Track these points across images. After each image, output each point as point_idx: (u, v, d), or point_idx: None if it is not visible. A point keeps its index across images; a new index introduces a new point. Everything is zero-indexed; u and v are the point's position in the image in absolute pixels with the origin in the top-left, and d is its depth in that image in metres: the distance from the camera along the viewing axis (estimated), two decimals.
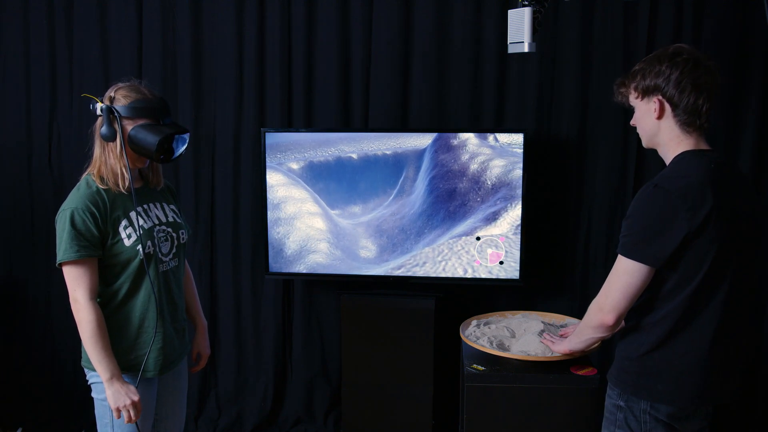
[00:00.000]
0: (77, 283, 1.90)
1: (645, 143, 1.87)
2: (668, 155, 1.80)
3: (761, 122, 2.91)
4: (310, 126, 3.15)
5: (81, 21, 3.18)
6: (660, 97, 1.75)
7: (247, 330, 3.31)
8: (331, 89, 3.11)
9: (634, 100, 1.83)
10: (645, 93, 1.78)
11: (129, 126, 1.93)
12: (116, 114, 1.92)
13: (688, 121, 1.75)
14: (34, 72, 3.25)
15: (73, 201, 1.92)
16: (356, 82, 3.10)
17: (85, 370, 2.03)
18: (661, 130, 1.78)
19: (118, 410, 1.90)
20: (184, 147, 2.04)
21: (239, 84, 3.16)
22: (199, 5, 3.13)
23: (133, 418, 1.91)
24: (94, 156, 1.98)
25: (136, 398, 1.92)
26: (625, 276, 1.72)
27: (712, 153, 1.77)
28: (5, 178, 3.32)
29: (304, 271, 2.99)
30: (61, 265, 1.91)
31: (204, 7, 3.13)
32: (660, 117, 1.77)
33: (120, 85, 1.98)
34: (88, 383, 2.03)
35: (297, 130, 3.01)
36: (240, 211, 3.23)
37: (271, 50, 3.12)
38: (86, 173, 2.00)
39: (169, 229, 2.07)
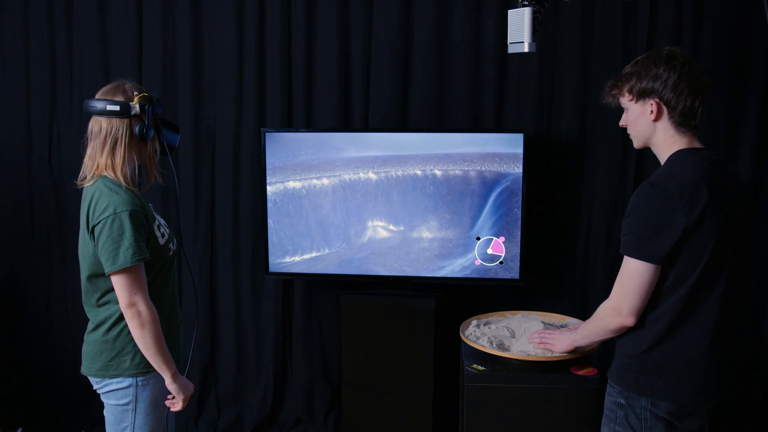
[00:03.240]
0: (137, 287, 1.84)
1: (637, 144, 1.89)
2: (663, 154, 1.83)
3: (761, 122, 2.91)
4: (310, 126, 3.15)
5: (81, 21, 3.18)
6: (657, 100, 1.78)
7: (247, 330, 3.31)
8: (331, 89, 3.11)
9: (627, 102, 1.85)
10: (641, 95, 1.81)
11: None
12: (156, 112, 1.92)
13: (683, 122, 1.78)
14: (34, 72, 3.25)
15: (123, 203, 1.84)
16: (356, 82, 3.10)
17: (96, 379, 1.97)
18: (656, 131, 1.82)
19: (184, 401, 1.97)
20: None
21: (239, 84, 3.16)
22: (199, 5, 3.13)
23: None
24: (109, 160, 1.89)
25: (193, 386, 2.02)
26: (636, 277, 1.74)
27: (706, 151, 1.81)
28: (5, 178, 3.32)
29: (305, 271, 3.00)
30: (119, 270, 1.82)
31: (204, 7, 3.13)
32: (657, 119, 1.80)
33: (130, 83, 1.95)
34: (101, 392, 1.98)
35: (297, 130, 3.01)
36: (240, 211, 3.23)
37: (271, 50, 3.12)
38: (98, 177, 1.91)
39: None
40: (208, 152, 3.22)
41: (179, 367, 2.02)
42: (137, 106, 1.88)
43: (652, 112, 1.79)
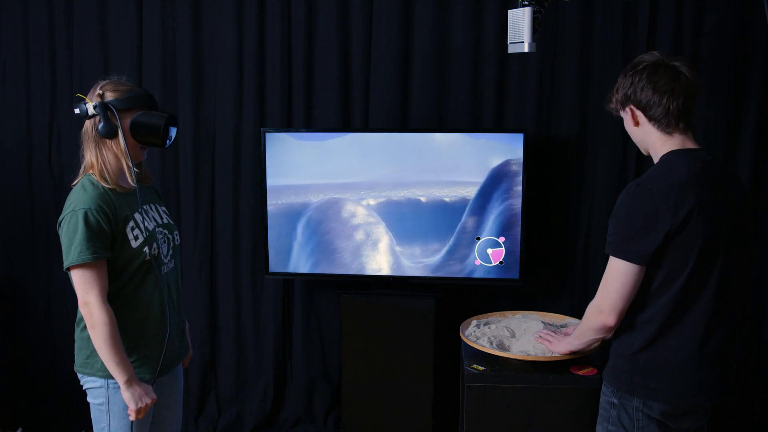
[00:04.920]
0: (90, 286, 1.84)
1: (642, 150, 1.92)
2: (656, 157, 1.84)
3: (761, 122, 2.91)
4: (310, 126, 3.15)
5: (81, 21, 3.18)
6: (631, 106, 1.82)
7: (247, 330, 3.31)
8: (331, 89, 3.11)
9: (620, 113, 1.90)
10: (622, 105, 1.86)
11: (127, 118, 1.91)
12: (113, 108, 1.89)
13: (665, 123, 1.79)
14: (34, 72, 3.25)
15: (84, 201, 1.87)
16: (356, 82, 3.10)
17: (79, 375, 1.99)
18: (645, 135, 1.84)
19: (138, 411, 1.89)
20: (174, 134, 2.03)
21: (239, 84, 3.16)
22: (199, 5, 3.13)
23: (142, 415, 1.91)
24: (90, 159, 1.94)
25: (155, 397, 1.93)
26: (618, 277, 1.75)
27: (700, 152, 1.80)
28: (5, 178, 3.32)
29: (306, 271, 3.00)
30: (71, 267, 1.85)
31: (204, 7, 3.13)
32: (637, 124, 1.83)
33: (102, 82, 1.95)
34: (84, 388, 2.00)
35: (297, 130, 3.01)
36: (240, 211, 3.23)
37: (271, 50, 3.12)
38: (83, 175, 1.96)
39: (166, 231, 2.06)
40: (208, 152, 3.22)
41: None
42: (91, 106, 1.89)
43: (631, 118, 1.83)
